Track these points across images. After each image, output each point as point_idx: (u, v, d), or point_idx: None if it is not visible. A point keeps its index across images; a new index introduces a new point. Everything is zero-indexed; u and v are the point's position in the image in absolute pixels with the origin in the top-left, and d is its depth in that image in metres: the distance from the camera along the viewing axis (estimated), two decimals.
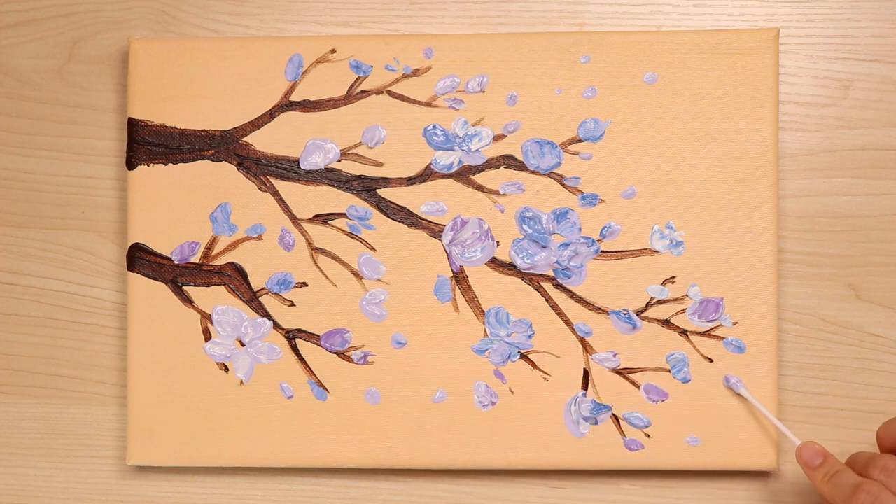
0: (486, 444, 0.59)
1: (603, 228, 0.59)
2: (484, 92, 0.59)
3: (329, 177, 0.60)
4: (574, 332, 0.59)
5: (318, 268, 0.60)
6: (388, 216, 0.59)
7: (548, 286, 0.59)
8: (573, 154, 0.59)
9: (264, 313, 0.60)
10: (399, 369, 0.59)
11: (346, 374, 0.59)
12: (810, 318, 0.60)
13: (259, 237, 0.60)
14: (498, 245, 0.59)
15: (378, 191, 0.60)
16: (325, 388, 0.60)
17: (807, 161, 0.60)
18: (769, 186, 0.58)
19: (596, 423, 0.59)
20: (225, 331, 0.60)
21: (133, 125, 0.60)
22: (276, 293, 0.60)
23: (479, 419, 0.59)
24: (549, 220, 0.59)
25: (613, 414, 0.59)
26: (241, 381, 0.60)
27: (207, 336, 0.60)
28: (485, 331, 0.59)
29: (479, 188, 0.59)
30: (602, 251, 0.59)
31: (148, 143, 0.60)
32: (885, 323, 0.60)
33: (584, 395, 0.59)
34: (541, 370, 0.59)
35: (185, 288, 0.60)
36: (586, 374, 0.59)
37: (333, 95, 0.60)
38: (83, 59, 0.62)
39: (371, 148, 0.59)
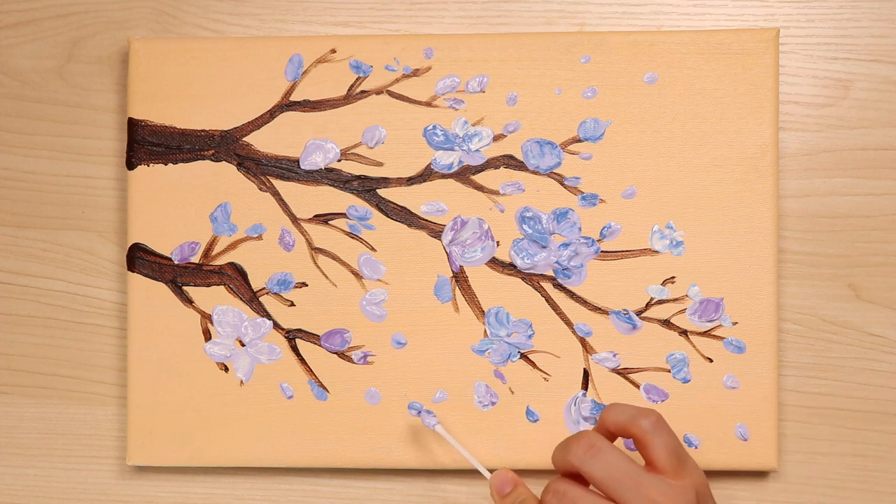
0: (487, 444, 0.59)
1: (603, 228, 0.59)
2: (484, 92, 0.59)
3: (329, 177, 0.60)
4: (574, 332, 0.59)
5: (318, 268, 0.60)
6: (388, 216, 0.60)
7: (548, 286, 0.59)
8: (573, 154, 0.59)
9: (264, 313, 0.60)
10: (399, 369, 0.59)
11: (346, 374, 0.59)
12: (810, 318, 0.60)
13: (259, 237, 0.60)
14: (498, 245, 0.59)
15: (378, 191, 0.60)
16: (325, 388, 0.60)
17: (807, 161, 0.60)
18: (769, 186, 0.58)
19: (596, 423, 0.59)
20: (225, 331, 0.60)
21: (133, 125, 0.60)
22: (276, 293, 0.60)
23: (479, 419, 0.59)
24: (549, 220, 0.59)
25: None
26: (241, 381, 0.60)
27: (207, 336, 0.60)
28: (485, 331, 0.59)
29: (479, 188, 0.59)
30: (602, 251, 0.59)
31: (148, 143, 0.60)
32: (885, 323, 0.60)
33: (584, 394, 0.59)
34: (541, 370, 0.59)
35: (185, 288, 0.60)
36: (586, 374, 0.59)
37: (333, 95, 0.60)
38: (83, 59, 0.62)
39: (371, 148, 0.59)
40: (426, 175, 0.59)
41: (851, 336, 0.60)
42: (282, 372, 0.60)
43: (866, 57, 0.60)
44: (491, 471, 0.54)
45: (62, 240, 0.62)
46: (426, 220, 0.59)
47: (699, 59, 0.58)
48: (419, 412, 0.57)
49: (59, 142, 0.62)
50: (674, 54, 0.59)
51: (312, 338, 0.60)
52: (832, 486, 0.60)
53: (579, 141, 0.59)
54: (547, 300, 0.59)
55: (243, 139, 0.60)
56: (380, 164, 0.59)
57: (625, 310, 0.59)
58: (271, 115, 0.60)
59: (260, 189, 0.60)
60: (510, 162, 0.59)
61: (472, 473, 0.61)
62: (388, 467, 0.59)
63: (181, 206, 0.60)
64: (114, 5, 0.62)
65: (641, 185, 0.59)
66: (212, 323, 0.60)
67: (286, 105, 0.60)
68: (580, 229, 0.59)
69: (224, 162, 0.60)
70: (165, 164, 0.60)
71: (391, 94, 0.59)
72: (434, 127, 0.59)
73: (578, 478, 0.50)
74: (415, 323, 0.59)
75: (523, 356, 0.59)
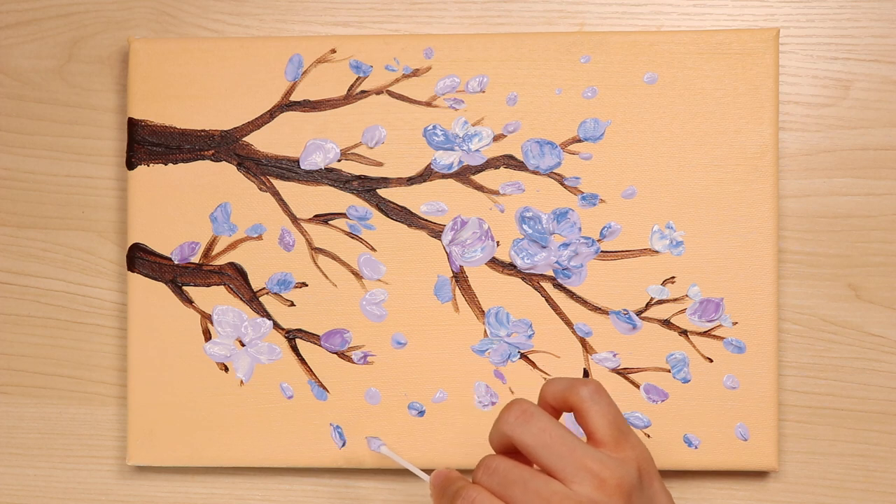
0: (487, 444, 0.59)
1: (603, 228, 0.59)
2: (484, 92, 0.59)
3: (329, 177, 0.60)
4: (574, 332, 0.59)
5: (318, 268, 0.60)
6: (388, 216, 0.60)
7: (548, 286, 0.59)
8: (573, 154, 0.59)
9: (264, 313, 0.60)
10: (399, 369, 0.59)
11: (346, 374, 0.59)
12: (810, 318, 0.60)
13: (259, 237, 0.60)
14: (498, 245, 0.59)
15: (378, 191, 0.60)
16: (325, 388, 0.60)
17: (807, 161, 0.60)
18: (769, 186, 0.58)
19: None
20: (225, 331, 0.60)
21: (133, 125, 0.60)
22: (276, 293, 0.60)
23: (479, 419, 0.59)
24: (549, 220, 0.59)
25: None
26: (241, 381, 0.60)
27: (207, 336, 0.60)
28: (485, 331, 0.59)
29: (479, 188, 0.59)
30: (602, 251, 0.59)
31: (148, 143, 0.60)
32: (885, 323, 0.60)
33: None
34: (541, 370, 0.59)
35: (185, 288, 0.60)
36: (586, 374, 0.59)
37: (333, 95, 0.60)
38: (83, 59, 0.62)
39: (371, 148, 0.59)
40: (426, 175, 0.59)
41: (851, 336, 0.60)
42: (282, 372, 0.60)
43: (866, 57, 0.60)
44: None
45: (62, 240, 0.62)
46: (426, 220, 0.59)
47: (699, 59, 0.58)
48: (368, 440, 0.56)
49: (59, 142, 0.62)
50: (674, 54, 0.59)
51: (312, 338, 0.60)
52: (832, 486, 0.60)
53: (579, 141, 0.59)
54: (547, 300, 0.59)
55: (243, 139, 0.60)
56: (380, 164, 0.59)
57: (625, 310, 0.59)
58: (271, 115, 0.60)
59: (260, 189, 0.60)
60: (510, 162, 0.59)
61: None
62: (389, 467, 0.59)
63: (181, 206, 0.60)
64: (114, 5, 0.62)
65: (641, 185, 0.59)
66: (212, 323, 0.60)
67: (286, 105, 0.60)
68: (580, 229, 0.59)
69: (224, 162, 0.60)
70: (165, 164, 0.60)
71: (391, 94, 0.59)
72: (434, 127, 0.59)
73: (515, 455, 0.46)
74: (415, 323, 0.59)
75: (523, 356, 0.59)
